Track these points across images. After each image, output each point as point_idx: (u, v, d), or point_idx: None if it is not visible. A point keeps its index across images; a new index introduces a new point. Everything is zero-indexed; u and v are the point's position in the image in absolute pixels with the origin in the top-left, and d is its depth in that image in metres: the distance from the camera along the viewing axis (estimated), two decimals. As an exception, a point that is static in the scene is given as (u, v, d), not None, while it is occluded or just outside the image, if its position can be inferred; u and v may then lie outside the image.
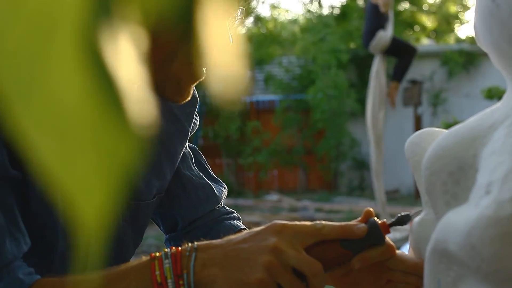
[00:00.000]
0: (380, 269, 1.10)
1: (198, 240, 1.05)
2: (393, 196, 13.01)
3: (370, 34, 7.80)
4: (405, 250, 1.18)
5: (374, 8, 7.76)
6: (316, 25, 14.96)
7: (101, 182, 0.29)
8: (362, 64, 14.50)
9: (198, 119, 1.46)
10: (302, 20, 16.93)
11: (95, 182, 0.28)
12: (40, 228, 1.13)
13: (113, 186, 0.29)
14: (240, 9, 1.19)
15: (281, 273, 0.98)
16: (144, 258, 1.03)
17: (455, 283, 0.74)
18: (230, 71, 0.82)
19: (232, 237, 1.04)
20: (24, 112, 0.29)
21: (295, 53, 15.64)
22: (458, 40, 17.07)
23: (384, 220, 1.05)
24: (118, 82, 0.29)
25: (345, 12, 15.45)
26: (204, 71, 1.18)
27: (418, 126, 12.52)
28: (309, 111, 14.13)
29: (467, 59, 13.75)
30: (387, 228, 1.05)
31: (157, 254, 1.02)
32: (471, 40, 14.43)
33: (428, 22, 17.23)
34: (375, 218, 1.06)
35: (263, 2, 18.50)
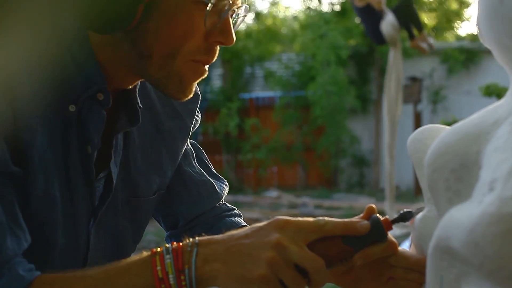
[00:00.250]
0: (382, 266, 1.10)
1: (201, 235, 1.05)
2: (392, 193, 13.02)
3: (376, 32, 7.78)
4: (405, 247, 1.18)
5: (366, 9, 7.76)
6: (316, 21, 14.95)
7: None
8: (362, 60, 14.50)
9: (200, 116, 1.46)
10: (302, 17, 16.90)
11: None
12: (39, 225, 1.12)
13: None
14: (244, 6, 1.19)
15: (284, 269, 0.98)
16: (145, 253, 1.03)
17: (457, 280, 0.74)
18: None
19: (234, 232, 1.04)
20: None
21: (295, 50, 15.63)
22: (458, 38, 17.07)
23: (387, 216, 1.05)
24: None
25: (344, 9, 15.42)
26: (207, 69, 1.18)
27: (417, 123, 12.51)
28: (309, 108, 14.12)
29: (467, 56, 13.73)
30: (389, 224, 1.04)
31: (158, 249, 1.02)
32: (471, 38, 14.42)
33: (429, 19, 17.21)
34: (378, 215, 1.05)
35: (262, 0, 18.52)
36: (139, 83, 1.25)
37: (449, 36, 17.69)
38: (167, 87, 1.16)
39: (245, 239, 1.01)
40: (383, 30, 7.74)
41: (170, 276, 0.99)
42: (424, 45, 8.36)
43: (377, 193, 12.99)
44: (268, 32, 16.10)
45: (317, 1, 16.78)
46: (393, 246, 1.06)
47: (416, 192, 12.22)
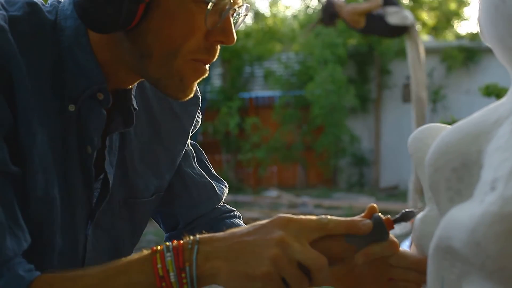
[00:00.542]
0: (382, 266, 1.10)
1: (202, 233, 1.04)
2: (392, 192, 13.01)
3: (390, 28, 7.72)
4: (405, 246, 1.18)
5: (367, 21, 7.71)
6: (314, 20, 14.93)
7: None
8: (361, 59, 14.49)
9: (200, 118, 1.46)
10: (302, 16, 16.89)
11: None
12: (38, 226, 1.12)
13: None
14: (245, 6, 1.19)
15: (287, 266, 0.97)
16: (146, 251, 1.02)
17: (459, 280, 0.74)
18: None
19: (236, 230, 1.03)
20: None
21: (294, 49, 15.62)
22: (458, 37, 17.05)
23: (388, 216, 1.05)
24: None
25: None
26: (207, 68, 1.17)
27: (417, 122, 12.49)
28: (308, 107, 14.11)
29: (466, 55, 13.72)
30: (391, 224, 1.04)
31: (159, 247, 1.02)
32: (471, 37, 14.39)
33: (428, 18, 17.20)
34: (379, 214, 1.05)
35: (262, -1, 18.49)
36: (135, 84, 1.25)
37: (448, 35, 17.68)
38: (167, 86, 1.16)
39: (248, 237, 1.00)
40: (395, 23, 7.67)
41: (171, 274, 0.99)
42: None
43: (377, 193, 12.99)
44: (267, 32, 16.09)
45: (317, 0, 16.78)
46: (394, 246, 1.06)
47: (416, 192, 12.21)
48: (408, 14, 7.73)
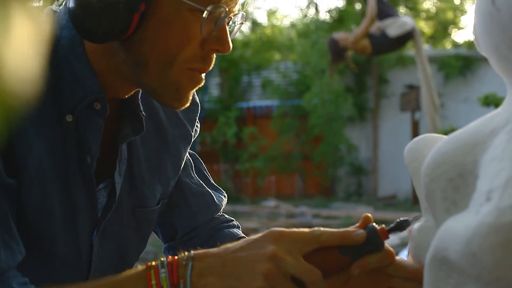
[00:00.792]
0: (379, 276, 1.09)
1: (196, 249, 1.04)
2: (390, 202, 13.01)
3: (394, 41, 7.76)
4: (403, 256, 1.18)
5: (373, 39, 7.74)
6: (311, 29, 14.96)
7: None
8: (359, 69, 14.51)
9: (199, 126, 1.46)
10: (300, 26, 16.92)
11: None
12: (37, 237, 1.12)
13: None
14: (241, 14, 1.19)
15: (280, 281, 0.97)
16: (140, 267, 1.02)
17: (455, 291, 0.73)
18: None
19: (229, 245, 1.03)
20: None
21: (292, 59, 15.64)
22: (455, 45, 17.10)
23: (383, 225, 1.05)
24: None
25: (341, 17, 15.44)
26: (203, 77, 1.17)
27: (415, 131, 12.51)
28: (306, 117, 14.13)
29: (463, 63, 13.75)
30: (386, 233, 1.04)
31: (153, 263, 1.01)
32: (468, 45, 14.43)
33: (426, 27, 17.25)
34: (374, 224, 1.05)
35: (259, 8, 18.54)
36: (140, 90, 1.24)
37: (446, 44, 17.72)
38: (163, 95, 1.16)
39: (241, 252, 1.00)
40: (396, 34, 7.69)
41: None
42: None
43: (375, 202, 12.98)
44: (265, 41, 16.13)
45: (314, 10, 16.82)
46: (390, 256, 1.05)
47: (414, 201, 12.21)
48: (405, 19, 7.74)
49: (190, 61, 1.12)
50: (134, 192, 1.30)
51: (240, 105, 15.09)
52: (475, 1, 0.80)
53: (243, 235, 1.45)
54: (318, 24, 15.11)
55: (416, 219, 1.00)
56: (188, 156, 1.46)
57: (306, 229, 1.03)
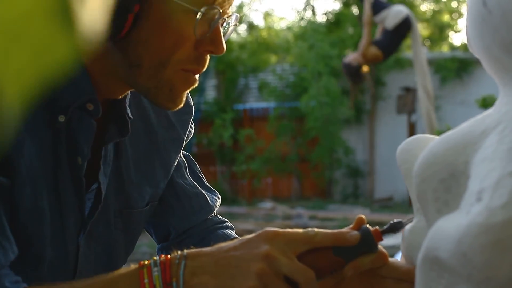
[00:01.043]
0: (373, 277, 1.09)
1: (190, 248, 1.04)
2: (387, 204, 13.01)
3: (399, 37, 7.76)
4: (398, 257, 1.18)
5: (378, 44, 7.76)
6: (308, 32, 14.98)
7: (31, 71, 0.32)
8: (354, 71, 14.50)
9: (193, 127, 1.46)
10: (297, 28, 16.93)
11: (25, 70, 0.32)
12: (27, 237, 1.12)
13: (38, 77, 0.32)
14: (235, 15, 1.19)
15: (273, 281, 0.97)
16: (133, 266, 1.02)
17: (446, 291, 0.73)
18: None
19: (223, 244, 1.03)
20: None
21: (289, 61, 15.65)
22: (452, 47, 17.11)
23: (377, 227, 1.05)
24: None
25: (338, 19, 15.46)
26: (197, 78, 1.17)
27: (412, 133, 12.51)
28: (303, 119, 14.13)
29: (460, 66, 13.76)
30: (379, 235, 1.04)
31: (146, 262, 1.01)
32: (465, 48, 14.44)
33: (423, 30, 17.27)
34: (368, 225, 1.05)
35: (256, 10, 18.54)
36: (129, 93, 1.24)
37: (443, 47, 17.74)
38: (157, 96, 1.16)
39: (234, 251, 1.00)
40: (394, 24, 7.68)
41: None
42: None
43: (372, 204, 12.99)
44: (262, 43, 16.13)
45: (311, 12, 16.83)
46: (384, 257, 1.06)
47: (410, 203, 12.21)
48: (399, 8, 7.74)
49: (184, 62, 1.12)
50: (122, 193, 1.30)
51: (236, 107, 15.09)
52: (467, 3, 0.81)
53: (237, 236, 1.45)
54: (315, 27, 15.11)
55: (410, 221, 1.00)
56: (182, 157, 1.46)
57: (300, 230, 1.03)
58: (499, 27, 0.73)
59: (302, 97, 13.88)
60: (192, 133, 1.46)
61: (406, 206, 12.39)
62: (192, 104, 1.41)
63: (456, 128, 0.79)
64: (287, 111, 14.57)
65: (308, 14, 16.87)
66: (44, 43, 0.31)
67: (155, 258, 1.02)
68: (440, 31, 17.54)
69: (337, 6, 17.38)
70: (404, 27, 7.83)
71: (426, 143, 0.90)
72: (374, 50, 7.77)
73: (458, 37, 19.77)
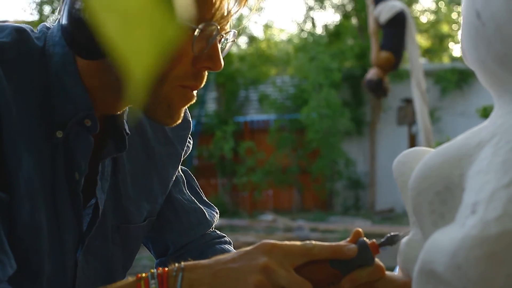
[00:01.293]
0: None
1: (188, 260, 1.04)
2: (388, 215, 12.99)
3: (397, 31, 7.75)
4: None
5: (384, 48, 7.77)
6: (309, 44, 15.01)
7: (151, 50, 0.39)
8: (356, 83, 14.53)
9: (191, 142, 1.46)
10: (297, 40, 16.97)
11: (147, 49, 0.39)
12: (25, 252, 1.12)
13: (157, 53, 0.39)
14: (233, 32, 1.19)
15: None
16: (131, 278, 1.02)
17: (443, 303, 0.73)
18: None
19: (221, 257, 1.03)
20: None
21: (289, 73, 15.68)
22: (453, 59, 17.13)
23: (374, 240, 1.05)
24: None
25: (338, 31, 15.49)
26: (195, 94, 1.17)
27: (412, 144, 12.51)
28: (304, 131, 14.14)
29: (460, 77, 13.78)
30: (376, 248, 1.04)
31: (143, 274, 1.01)
32: (464, 59, 14.43)
33: (422, 41, 17.29)
34: (365, 238, 1.05)
35: (256, 22, 18.57)
36: (127, 109, 1.25)
37: (443, 58, 17.76)
38: (155, 112, 1.16)
39: (232, 263, 1.00)
40: (386, 18, 7.66)
41: None
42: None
43: (373, 216, 12.97)
44: (262, 55, 16.16)
45: (311, 24, 16.87)
46: (380, 270, 1.06)
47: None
48: (394, 3, 7.73)
49: (182, 79, 1.12)
50: (119, 208, 1.30)
51: (237, 119, 15.11)
52: (462, 14, 0.81)
53: (235, 251, 1.46)
54: (315, 39, 15.15)
55: (407, 233, 1.00)
56: (180, 172, 1.46)
57: (298, 242, 1.04)
58: (493, 40, 0.73)
59: (302, 109, 13.90)
60: (191, 148, 1.46)
61: (407, 217, 12.36)
62: (190, 119, 1.42)
63: (452, 140, 0.79)
64: (287, 123, 14.58)
65: (308, 26, 16.91)
66: (157, 26, 0.38)
67: (152, 270, 1.02)
68: (440, 42, 17.56)
69: (337, 17, 17.40)
70: (399, 22, 7.81)
71: (422, 156, 0.90)
72: (383, 55, 7.77)
73: (458, 48, 19.79)
